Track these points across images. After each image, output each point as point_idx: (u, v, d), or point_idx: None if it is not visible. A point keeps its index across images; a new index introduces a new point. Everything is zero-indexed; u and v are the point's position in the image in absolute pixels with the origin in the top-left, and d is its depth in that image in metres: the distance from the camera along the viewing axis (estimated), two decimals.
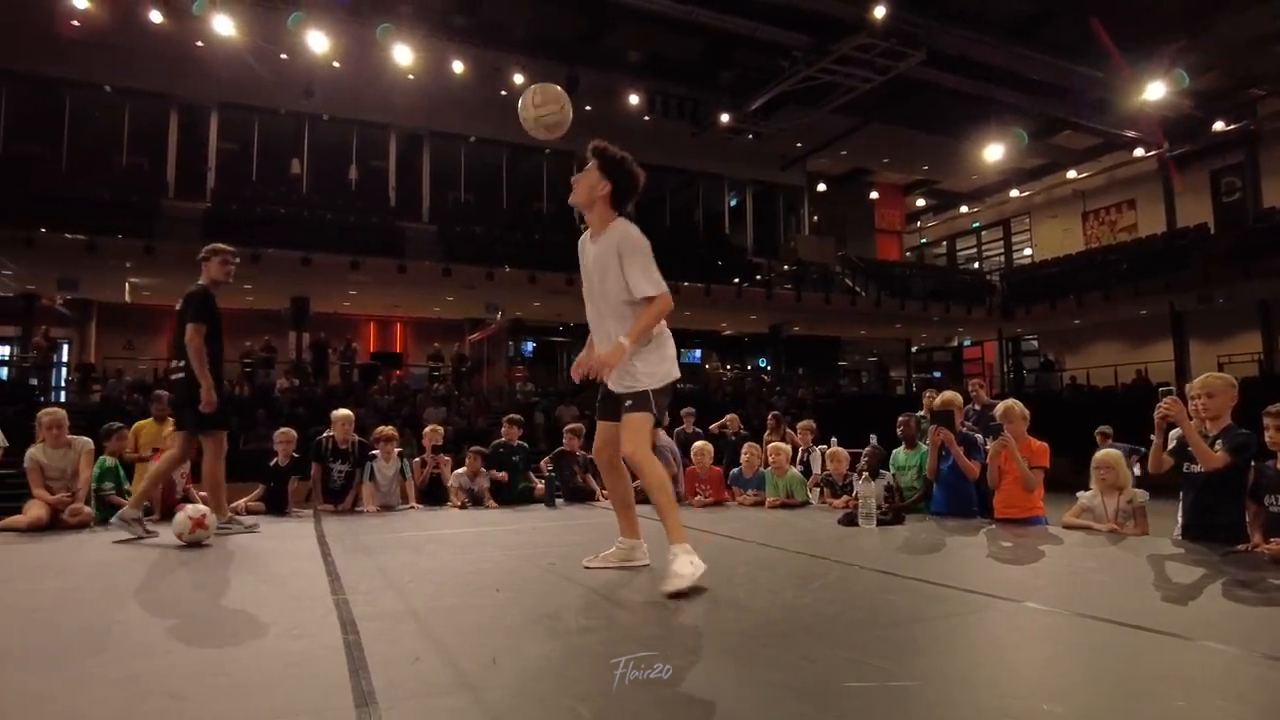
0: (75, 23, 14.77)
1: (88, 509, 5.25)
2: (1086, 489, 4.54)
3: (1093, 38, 15.96)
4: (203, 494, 5.85)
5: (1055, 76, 17.66)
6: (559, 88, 3.22)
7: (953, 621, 2.49)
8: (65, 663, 2.09)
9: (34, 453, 5.23)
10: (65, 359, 18.15)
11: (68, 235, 14.50)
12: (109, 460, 5.64)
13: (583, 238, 3.31)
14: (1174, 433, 3.79)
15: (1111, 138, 21.11)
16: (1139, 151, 21.72)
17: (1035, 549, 3.90)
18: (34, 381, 15.85)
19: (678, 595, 2.68)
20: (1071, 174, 24.65)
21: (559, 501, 6.65)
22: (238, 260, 5.04)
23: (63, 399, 16.34)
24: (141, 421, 6.52)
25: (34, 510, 5.01)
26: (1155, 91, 17.00)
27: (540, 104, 3.14)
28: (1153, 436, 3.84)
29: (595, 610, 2.62)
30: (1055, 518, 4.73)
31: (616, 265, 3.05)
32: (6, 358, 16.43)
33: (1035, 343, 27.03)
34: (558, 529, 4.98)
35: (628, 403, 3.10)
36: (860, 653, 2.07)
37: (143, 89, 17.31)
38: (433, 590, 3.02)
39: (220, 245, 4.99)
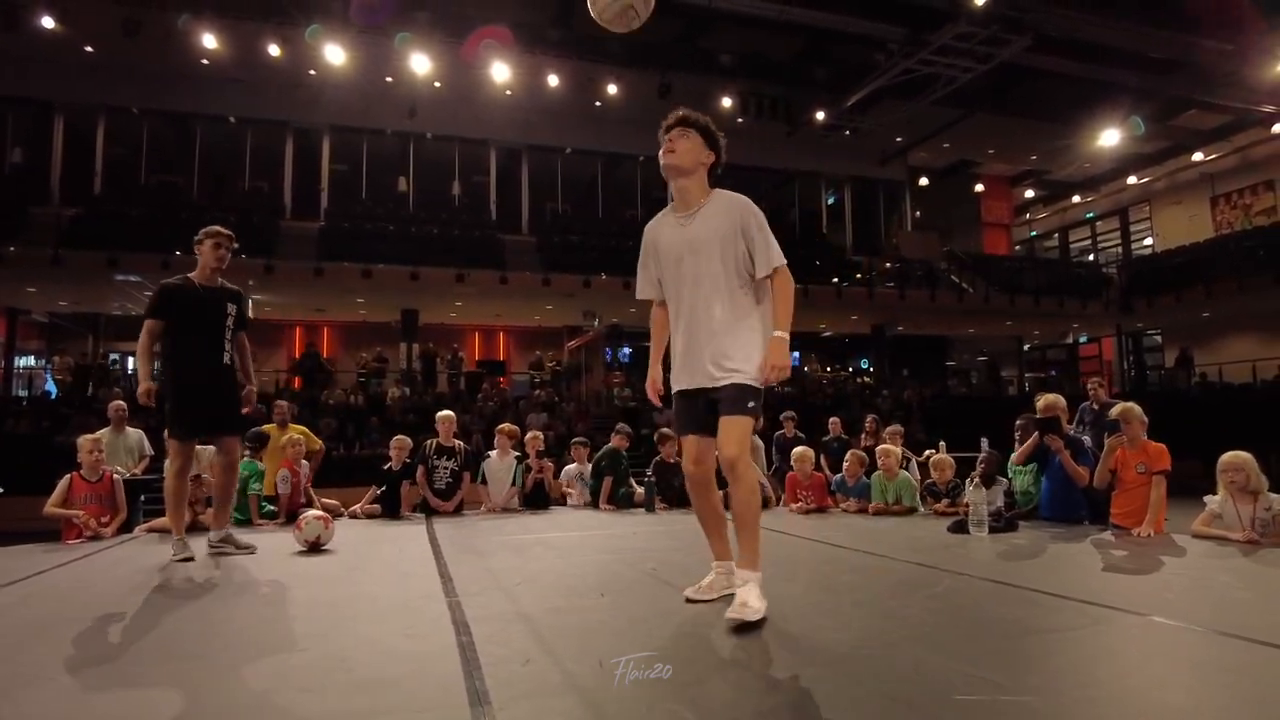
0: (205, 61, 15.99)
1: None
2: (1215, 493, 4.25)
3: (1222, 6, 14.85)
4: (325, 500, 6.23)
5: (1178, 52, 16.49)
6: None
7: (1070, 635, 2.38)
8: (208, 655, 2.28)
9: None
10: None
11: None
12: (257, 464, 6.10)
13: (660, 220, 3.04)
14: None
15: (1244, 114, 19.58)
16: (1277, 128, 20.04)
17: (1159, 559, 3.68)
18: None
19: (745, 628, 2.41)
20: (1198, 156, 22.91)
21: (659, 506, 6.72)
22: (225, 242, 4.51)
23: None
24: (266, 425, 6.98)
25: None
26: None
27: None
28: None
29: (697, 617, 2.64)
30: (1183, 525, 4.45)
31: (734, 238, 2.76)
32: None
33: (1158, 338, 25.34)
34: (657, 533, 5.02)
35: (732, 398, 2.66)
36: (970, 665, 2.02)
37: (262, 117, 18.47)
38: (540, 593, 3.11)
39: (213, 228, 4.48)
